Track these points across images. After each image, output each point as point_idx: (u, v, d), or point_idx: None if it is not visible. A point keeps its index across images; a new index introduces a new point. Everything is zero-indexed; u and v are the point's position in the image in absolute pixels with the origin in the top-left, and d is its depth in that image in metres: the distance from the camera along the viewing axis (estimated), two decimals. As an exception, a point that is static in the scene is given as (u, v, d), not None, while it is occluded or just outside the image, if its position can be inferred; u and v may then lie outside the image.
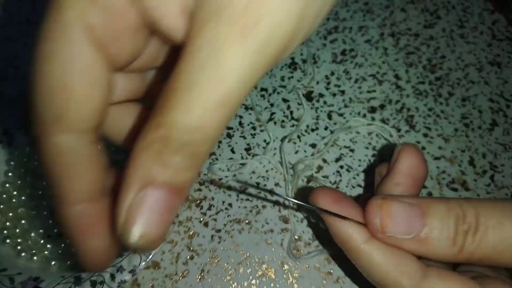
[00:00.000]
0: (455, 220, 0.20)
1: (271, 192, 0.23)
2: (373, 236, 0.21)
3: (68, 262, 0.32)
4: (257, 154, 0.37)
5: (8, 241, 0.33)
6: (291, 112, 0.40)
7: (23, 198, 0.35)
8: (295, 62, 0.43)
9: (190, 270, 0.32)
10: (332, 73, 0.42)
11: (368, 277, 0.22)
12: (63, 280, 0.29)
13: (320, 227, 0.30)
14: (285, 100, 0.41)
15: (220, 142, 0.38)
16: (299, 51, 0.44)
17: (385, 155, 0.37)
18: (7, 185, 0.35)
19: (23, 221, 0.34)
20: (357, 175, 0.36)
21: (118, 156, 0.20)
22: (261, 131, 0.39)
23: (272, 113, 0.40)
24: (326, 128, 0.39)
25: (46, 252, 0.33)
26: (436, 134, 0.39)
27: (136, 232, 0.13)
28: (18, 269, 0.31)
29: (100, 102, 0.14)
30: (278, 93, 0.41)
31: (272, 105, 0.40)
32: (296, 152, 0.37)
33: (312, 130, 0.39)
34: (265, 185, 0.36)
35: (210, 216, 0.34)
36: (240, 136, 0.38)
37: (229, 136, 0.38)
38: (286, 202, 0.35)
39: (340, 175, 0.36)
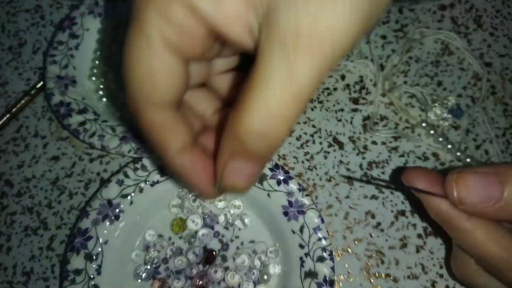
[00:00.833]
0: None
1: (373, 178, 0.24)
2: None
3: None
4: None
5: (103, 99, 0.36)
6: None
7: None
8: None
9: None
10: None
11: (469, 251, 0.24)
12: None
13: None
14: None
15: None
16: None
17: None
18: (98, 52, 0.37)
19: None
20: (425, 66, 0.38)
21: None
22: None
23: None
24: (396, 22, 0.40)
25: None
26: (502, 34, 0.40)
27: (226, 183, 0.20)
28: (117, 122, 0.34)
29: (176, 86, 0.18)
30: None
31: None
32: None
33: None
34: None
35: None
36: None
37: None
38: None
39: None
